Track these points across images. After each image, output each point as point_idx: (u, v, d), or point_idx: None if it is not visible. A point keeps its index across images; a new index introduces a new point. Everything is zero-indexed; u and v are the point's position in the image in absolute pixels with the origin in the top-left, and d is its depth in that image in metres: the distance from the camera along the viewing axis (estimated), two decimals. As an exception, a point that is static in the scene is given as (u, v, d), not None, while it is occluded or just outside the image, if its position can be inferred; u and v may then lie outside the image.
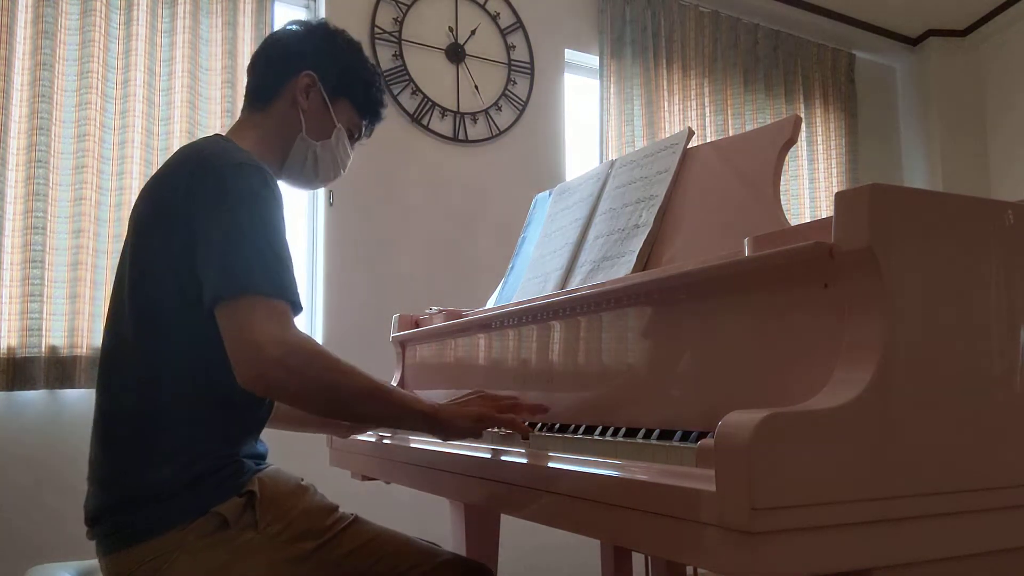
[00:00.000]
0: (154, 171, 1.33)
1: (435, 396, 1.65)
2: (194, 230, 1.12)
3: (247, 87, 1.36)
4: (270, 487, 1.18)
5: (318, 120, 1.34)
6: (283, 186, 1.35)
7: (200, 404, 1.16)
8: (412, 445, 1.43)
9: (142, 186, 1.28)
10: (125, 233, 1.27)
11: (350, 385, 1.10)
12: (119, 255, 1.26)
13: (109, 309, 1.24)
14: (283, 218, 1.16)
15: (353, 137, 1.42)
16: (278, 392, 1.10)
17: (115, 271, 1.26)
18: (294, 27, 1.39)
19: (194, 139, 2.53)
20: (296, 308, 1.10)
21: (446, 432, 1.17)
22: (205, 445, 1.15)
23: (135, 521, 1.12)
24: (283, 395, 1.11)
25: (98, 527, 1.16)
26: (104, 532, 1.15)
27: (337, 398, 1.10)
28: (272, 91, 1.33)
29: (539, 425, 1.25)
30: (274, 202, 1.15)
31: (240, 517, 1.13)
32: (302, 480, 1.27)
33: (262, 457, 1.26)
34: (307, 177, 1.38)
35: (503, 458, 1.12)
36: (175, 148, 2.48)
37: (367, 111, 1.41)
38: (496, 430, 1.24)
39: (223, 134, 1.33)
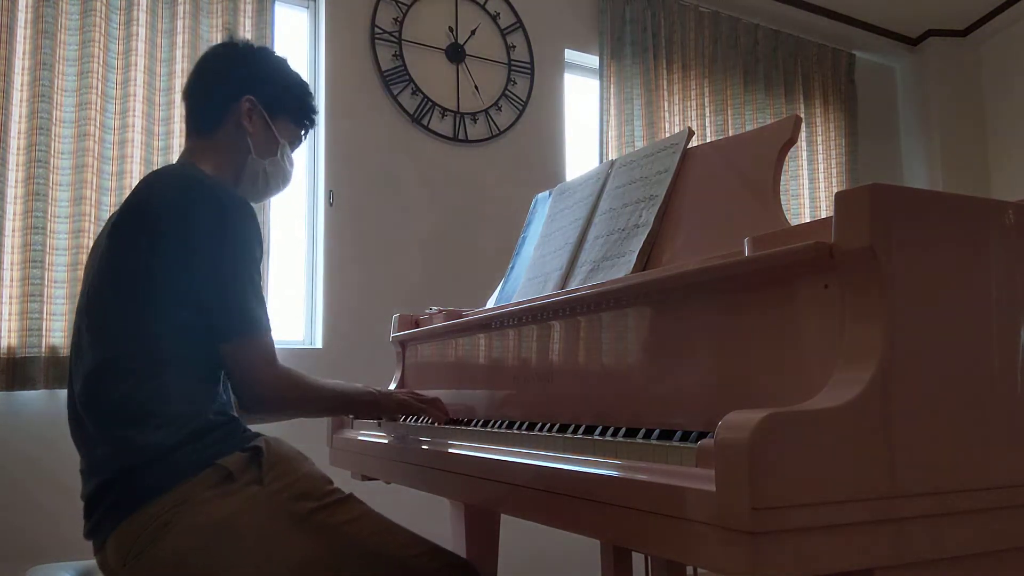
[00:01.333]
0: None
1: (435, 396, 1.65)
2: (194, 255, 1.20)
3: (188, 115, 1.43)
4: (275, 447, 1.26)
5: (264, 140, 1.42)
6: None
7: (191, 378, 1.23)
8: (412, 445, 1.43)
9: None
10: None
11: (320, 399, 1.37)
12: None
13: (79, 307, 1.30)
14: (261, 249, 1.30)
15: (294, 146, 1.50)
16: (270, 414, 1.35)
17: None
18: (221, 51, 1.46)
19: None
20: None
21: (383, 413, 1.51)
22: (199, 408, 1.22)
23: (139, 484, 1.15)
24: (273, 416, 1.39)
25: (100, 507, 1.18)
26: (108, 507, 1.17)
27: (311, 409, 1.44)
28: (215, 118, 1.39)
29: (540, 425, 1.25)
30: (259, 238, 1.27)
31: (245, 471, 1.19)
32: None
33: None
34: (259, 193, 1.47)
35: (504, 458, 1.12)
36: (175, 148, 2.50)
37: (304, 121, 1.49)
38: (413, 420, 1.55)
39: (184, 161, 1.40)
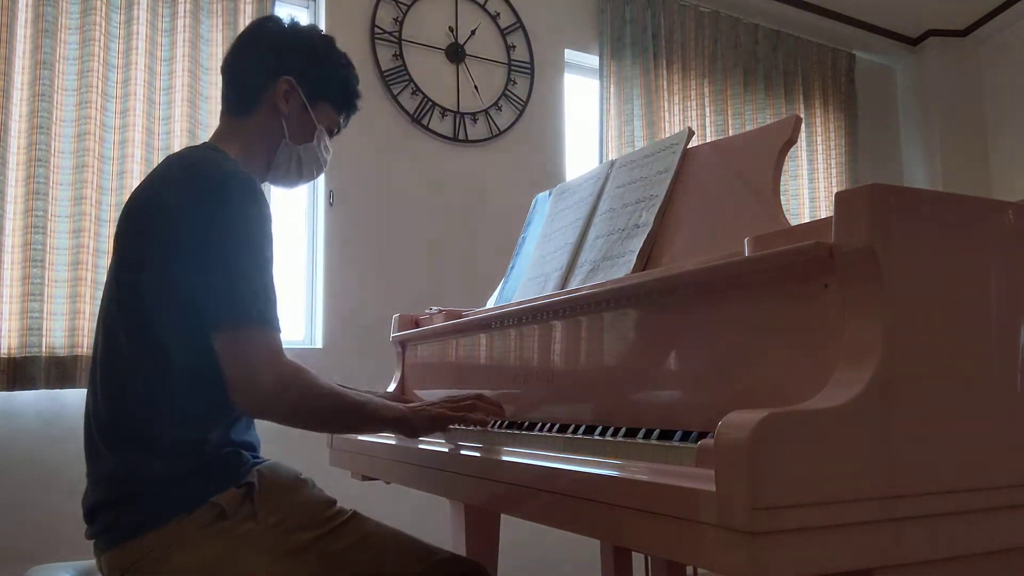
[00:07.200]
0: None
1: (435, 396, 1.65)
2: (190, 244, 1.13)
3: (224, 92, 1.36)
4: (269, 479, 1.21)
5: (299, 124, 1.36)
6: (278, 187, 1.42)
7: (197, 397, 1.17)
8: (412, 445, 1.43)
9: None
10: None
11: (334, 407, 1.19)
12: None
13: (100, 311, 1.26)
14: (272, 235, 1.20)
15: (332, 133, 1.43)
16: (272, 416, 1.16)
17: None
18: (270, 25, 1.38)
19: (194, 139, 2.55)
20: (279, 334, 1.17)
21: (412, 431, 1.27)
22: (204, 435, 1.17)
23: (135, 513, 1.13)
24: (276, 418, 1.17)
25: (97, 523, 1.17)
26: (103, 527, 1.16)
27: (322, 420, 1.23)
28: (252, 99, 1.33)
29: (540, 425, 1.25)
30: (264, 220, 1.18)
31: (239, 508, 1.15)
32: (301, 474, 1.29)
33: (254, 448, 1.28)
34: (291, 179, 1.41)
35: (504, 458, 1.12)
36: (175, 148, 2.50)
37: (345, 107, 1.42)
38: (457, 425, 1.32)
39: (208, 142, 1.34)
